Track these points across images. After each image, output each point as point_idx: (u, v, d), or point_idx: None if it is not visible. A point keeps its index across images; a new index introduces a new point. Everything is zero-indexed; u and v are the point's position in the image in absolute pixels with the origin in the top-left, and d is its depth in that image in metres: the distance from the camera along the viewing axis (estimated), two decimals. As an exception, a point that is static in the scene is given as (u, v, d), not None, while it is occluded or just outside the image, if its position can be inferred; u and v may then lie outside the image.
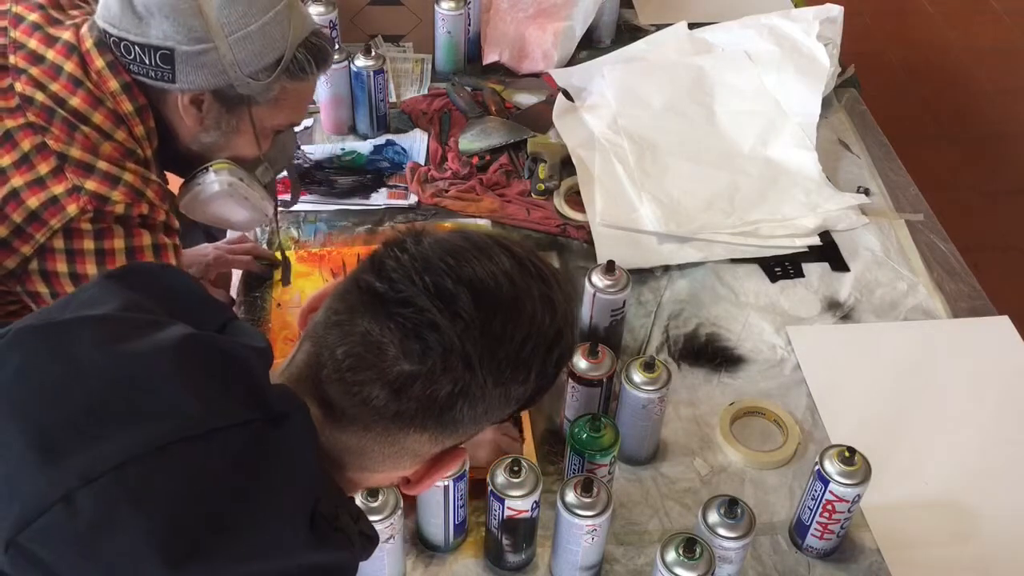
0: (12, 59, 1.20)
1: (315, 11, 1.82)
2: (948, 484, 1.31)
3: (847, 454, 1.14)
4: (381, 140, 1.81)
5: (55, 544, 0.64)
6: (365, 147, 1.80)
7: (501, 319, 0.75)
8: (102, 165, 1.18)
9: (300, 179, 1.72)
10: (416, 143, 1.81)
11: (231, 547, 0.67)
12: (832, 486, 1.14)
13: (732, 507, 1.09)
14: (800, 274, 1.61)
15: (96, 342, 0.71)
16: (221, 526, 0.66)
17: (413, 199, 1.70)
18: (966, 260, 1.65)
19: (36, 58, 1.21)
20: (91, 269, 1.18)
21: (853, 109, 1.96)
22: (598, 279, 1.37)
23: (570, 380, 1.26)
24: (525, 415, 1.35)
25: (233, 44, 1.20)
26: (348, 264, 1.58)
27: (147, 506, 0.65)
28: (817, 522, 1.18)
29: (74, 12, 1.29)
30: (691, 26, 2.05)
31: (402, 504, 1.10)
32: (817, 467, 1.15)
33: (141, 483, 0.65)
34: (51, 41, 1.22)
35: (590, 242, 1.62)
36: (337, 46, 1.78)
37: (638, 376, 1.24)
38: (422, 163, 1.77)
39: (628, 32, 2.11)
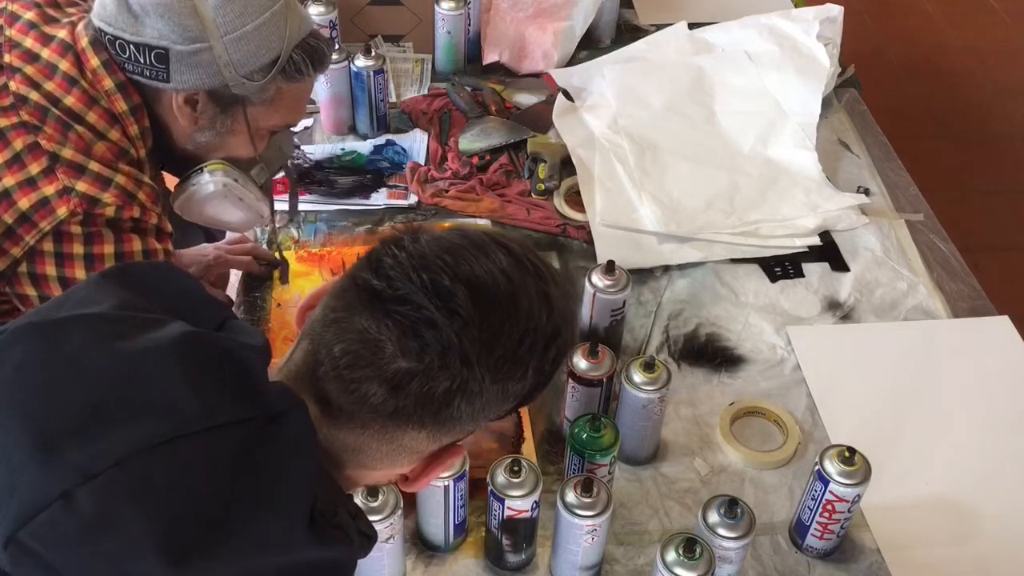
0: (7, 58, 1.20)
1: (315, 11, 1.83)
2: (948, 484, 1.31)
3: (847, 454, 1.14)
4: (381, 140, 1.81)
5: (55, 541, 0.64)
6: (365, 147, 1.80)
7: (498, 316, 0.75)
8: (94, 166, 1.18)
9: (300, 179, 1.72)
10: (416, 143, 1.81)
11: (230, 543, 0.67)
12: (832, 486, 1.14)
13: (732, 507, 1.09)
14: (800, 274, 1.61)
15: (95, 340, 0.71)
16: (220, 523, 0.67)
17: (413, 199, 1.70)
18: (966, 260, 1.65)
19: (31, 57, 1.21)
20: (80, 273, 1.18)
21: (853, 109, 1.96)
22: (598, 279, 1.37)
23: (570, 380, 1.26)
24: (525, 415, 1.35)
25: (228, 44, 1.20)
26: (348, 264, 1.57)
27: (146, 503, 0.65)
28: (817, 522, 1.18)
29: (71, 10, 1.29)
30: (691, 26, 2.05)
31: (402, 504, 1.09)
32: (817, 467, 1.15)
33: (140, 480, 0.65)
34: (46, 40, 1.22)
35: (590, 242, 1.62)
36: (337, 46, 1.78)
37: (638, 376, 1.24)
38: (422, 163, 1.77)
39: (628, 32, 2.11)
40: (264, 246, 1.61)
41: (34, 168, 1.15)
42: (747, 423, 1.38)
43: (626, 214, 1.66)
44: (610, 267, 1.37)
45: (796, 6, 2.12)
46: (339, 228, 1.65)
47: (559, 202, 1.70)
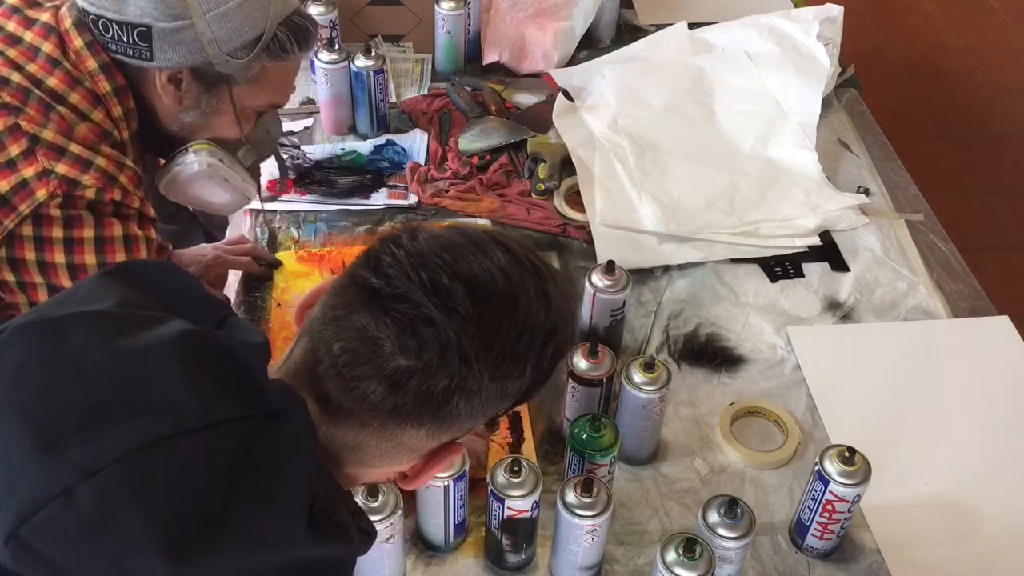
0: None
1: (315, 11, 1.82)
2: (948, 484, 1.31)
3: (847, 454, 1.14)
4: (381, 140, 1.81)
5: (55, 538, 0.65)
6: (365, 147, 1.80)
7: (496, 314, 0.75)
8: (75, 148, 1.17)
9: (300, 179, 1.72)
10: (416, 143, 1.81)
11: (229, 541, 0.67)
12: (832, 486, 1.14)
13: (732, 507, 1.09)
14: (800, 274, 1.60)
15: (95, 338, 0.71)
16: (220, 520, 0.67)
17: (413, 199, 1.70)
18: (966, 260, 1.65)
19: (13, 40, 1.21)
20: (59, 258, 1.17)
21: (853, 109, 1.96)
22: (598, 279, 1.37)
23: (570, 380, 1.26)
24: (525, 415, 1.35)
25: (211, 21, 1.20)
26: (348, 264, 1.57)
27: (146, 500, 0.65)
28: (817, 522, 1.18)
29: None
30: (691, 26, 2.05)
31: (402, 504, 1.09)
32: (817, 467, 1.15)
33: (141, 477, 0.65)
34: (29, 23, 1.22)
35: (590, 242, 1.62)
36: (337, 46, 1.78)
37: (638, 376, 1.24)
38: (422, 163, 1.77)
39: (628, 32, 2.11)
40: (264, 246, 1.61)
41: (14, 150, 1.15)
42: (747, 423, 1.38)
43: (626, 214, 1.66)
44: (610, 267, 1.37)
45: (796, 6, 2.12)
46: (339, 228, 1.65)
47: (559, 202, 1.70)
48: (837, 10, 1.97)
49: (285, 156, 1.74)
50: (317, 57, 1.73)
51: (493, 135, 1.80)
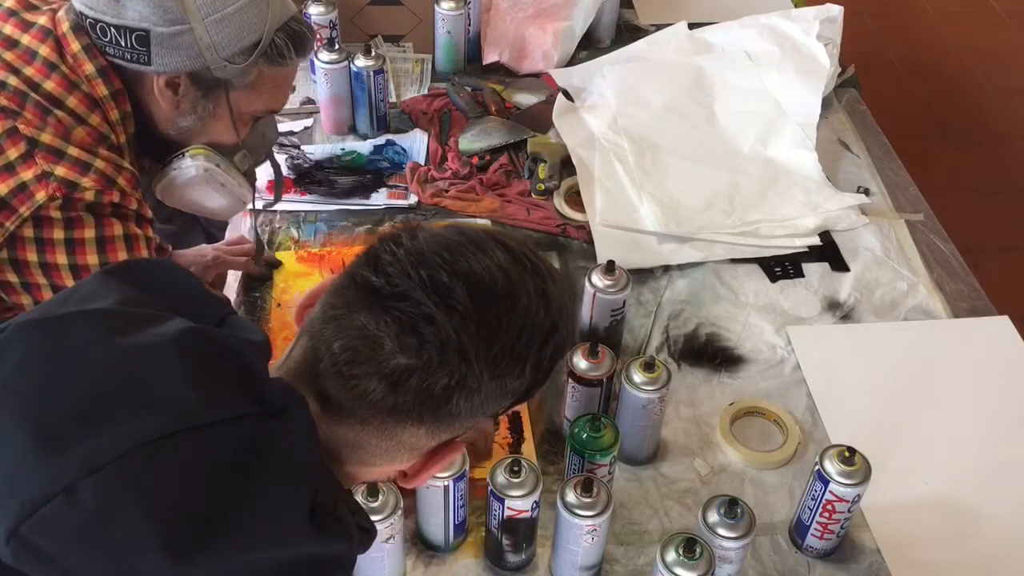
0: None
1: (315, 11, 1.83)
2: (948, 484, 1.31)
3: (847, 454, 1.14)
4: (381, 140, 1.81)
5: (57, 535, 0.65)
6: (365, 147, 1.80)
7: (496, 312, 0.75)
8: (73, 151, 1.17)
9: (300, 179, 1.72)
10: (416, 143, 1.81)
11: (230, 538, 0.67)
12: (832, 486, 1.14)
13: (732, 507, 1.09)
14: (800, 274, 1.61)
15: (96, 336, 0.71)
16: (221, 517, 0.67)
17: (413, 199, 1.70)
18: (966, 260, 1.65)
19: (10, 43, 1.21)
20: (61, 259, 1.18)
21: (853, 109, 1.96)
22: (598, 279, 1.37)
23: (570, 380, 1.26)
24: (525, 415, 1.35)
25: (209, 26, 1.20)
26: (348, 264, 1.57)
27: (148, 497, 0.65)
28: (817, 522, 1.18)
29: None
30: (691, 26, 2.05)
31: (402, 504, 1.09)
32: (817, 467, 1.15)
33: (142, 474, 0.66)
34: (26, 26, 1.22)
35: (590, 242, 1.62)
36: (337, 46, 1.78)
37: (638, 376, 1.24)
38: (422, 163, 1.77)
39: (628, 32, 2.11)
40: (264, 247, 1.61)
41: (12, 153, 1.15)
42: (747, 423, 1.38)
43: (626, 214, 1.66)
44: (610, 267, 1.37)
45: (796, 6, 2.12)
46: (339, 228, 1.65)
47: (559, 202, 1.70)
48: (837, 10, 1.97)
49: (285, 156, 1.74)
50: (317, 57, 1.73)
51: (493, 135, 1.80)
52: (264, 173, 1.56)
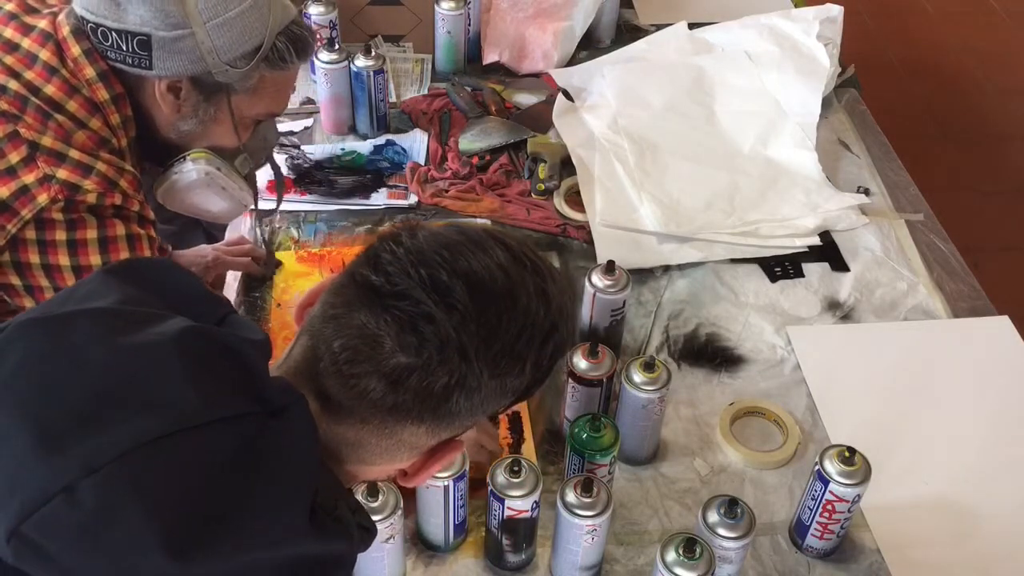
0: None
1: (315, 11, 1.83)
2: (948, 484, 1.31)
3: (847, 454, 1.14)
4: (381, 140, 1.81)
5: (57, 534, 0.65)
6: (365, 147, 1.80)
7: (496, 311, 0.75)
8: (74, 154, 1.17)
9: (300, 179, 1.72)
10: (416, 143, 1.81)
11: (231, 537, 0.67)
12: (832, 486, 1.14)
13: (732, 507, 1.09)
14: (800, 274, 1.60)
15: (96, 335, 0.71)
16: (221, 516, 0.67)
17: (413, 199, 1.70)
18: (966, 260, 1.65)
19: (11, 47, 1.21)
20: (64, 260, 1.18)
21: (853, 109, 1.96)
22: (598, 279, 1.37)
23: (570, 380, 1.26)
24: (525, 415, 1.35)
25: (211, 30, 1.20)
26: (348, 263, 1.57)
27: (148, 496, 0.65)
28: (817, 522, 1.18)
29: (52, 0, 1.29)
30: (691, 26, 2.05)
31: (402, 504, 1.09)
32: (817, 467, 1.15)
33: (142, 474, 0.66)
34: (27, 30, 1.22)
35: (590, 242, 1.62)
36: (337, 46, 1.78)
37: (638, 376, 1.24)
38: (422, 163, 1.77)
39: (628, 32, 2.11)
40: (263, 247, 1.61)
41: (14, 157, 1.15)
42: (747, 423, 1.38)
43: (626, 214, 1.66)
44: (610, 267, 1.37)
45: (796, 6, 2.12)
46: (339, 228, 1.65)
47: (559, 202, 1.70)
48: (837, 10, 1.97)
49: (285, 156, 1.74)
50: (317, 57, 1.73)
51: (493, 135, 1.80)
52: (264, 173, 1.56)
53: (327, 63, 1.74)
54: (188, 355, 0.71)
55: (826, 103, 1.89)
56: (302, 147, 1.79)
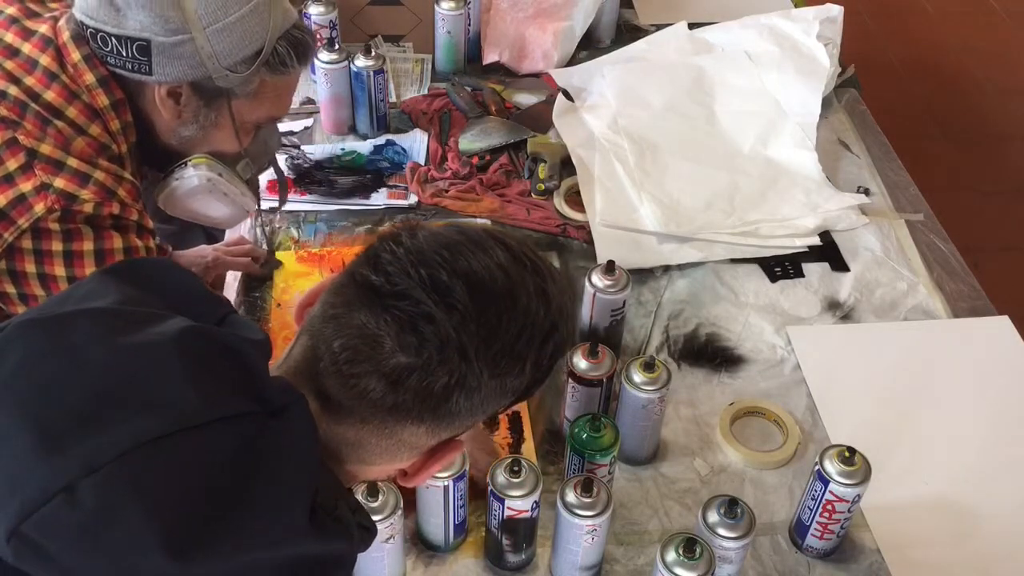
0: None
1: (315, 11, 1.83)
2: (948, 484, 1.31)
3: (847, 454, 1.14)
4: (381, 140, 1.81)
5: (57, 534, 0.65)
6: (365, 147, 1.80)
7: (496, 311, 0.75)
8: (72, 162, 1.17)
9: (300, 179, 1.72)
10: (416, 143, 1.81)
11: (231, 537, 0.67)
12: (832, 486, 1.14)
13: (732, 507, 1.09)
14: (800, 274, 1.61)
15: (96, 335, 0.71)
16: (221, 516, 0.67)
17: (413, 199, 1.70)
18: (966, 260, 1.65)
19: (11, 52, 1.20)
20: (60, 271, 1.17)
21: (853, 109, 1.96)
22: (598, 279, 1.37)
23: (570, 380, 1.26)
24: (525, 415, 1.35)
25: (211, 35, 1.20)
26: (348, 263, 1.57)
27: (148, 496, 0.65)
28: (817, 522, 1.18)
29: (53, 4, 1.29)
30: (691, 26, 2.05)
31: (402, 504, 1.09)
32: (817, 467, 1.15)
33: (142, 473, 0.66)
34: (27, 34, 1.22)
35: (590, 242, 1.62)
36: (337, 46, 1.78)
37: (638, 376, 1.24)
38: (422, 163, 1.77)
39: (628, 32, 2.11)
40: (263, 247, 1.61)
41: (12, 164, 1.15)
42: (747, 423, 1.38)
43: (626, 214, 1.66)
44: (610, 267, 1.37)
45: (796, 6, 2.12)
46: (339, 228, 1.65)
47: (559, 202, 1.70)
48: (837, 10, 1.97)
49: (285, 156, 1.74)
50: (317, 57, 1.73)
51: (493, 135, 1.80)
52: (265, 174, 1.56)
53: (327, 63, 1.74)
54: (188, 355, 0.71)
55: (826, 103, 1.89)
56: (302, 147, 1.79)
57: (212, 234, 1.72)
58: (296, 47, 1.27)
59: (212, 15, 1.19)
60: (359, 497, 1.07)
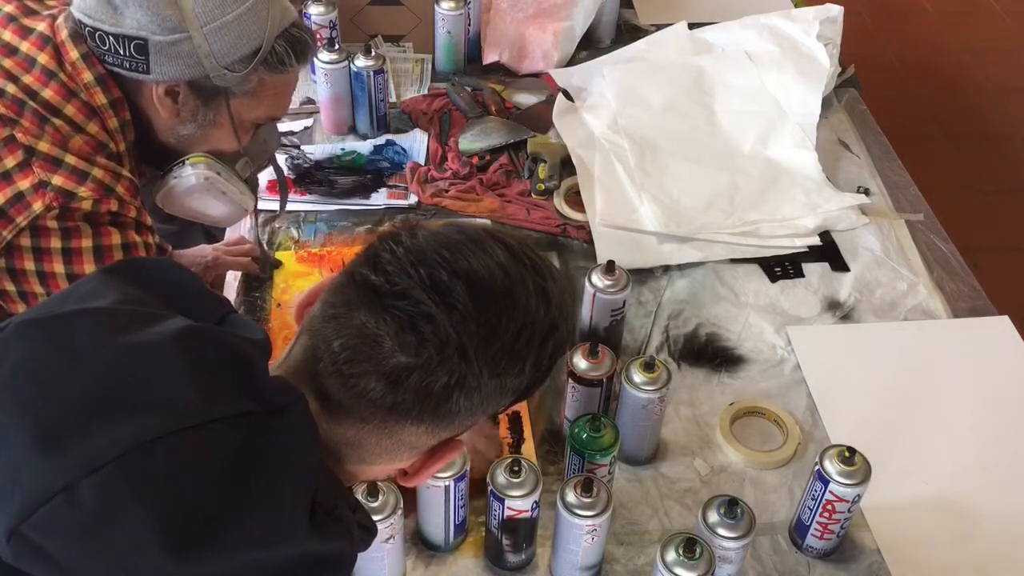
0: None
1: (315, 11, 1.83)
2: (948, 484, 1.31)
3: (847, 454, 1.14)
4: (381, 140, 1.81)
5: (57, 534, 0.65)
6: (365, 147, 1.80)
7: (496, 310, 0.75)
8: (70, 159, 1.17)
9: (300, 179, 1.72)
10: (416, 143, 1.81)
11: (231, 536, 0.67)
12: (832, 486, 1.14)
13: (732, 507, 1.09)
14: (800, 274, 1.60)
15: (96, 334, 0.71)
16: (221, 515, 0.67)
17: (413, 199, 1.70)
18: (966, 260, 1.65)
19: (9, 50, 1.20)
20: (59, 268, 1.17)
21: (853, 109, 1.96)
22: (598, 279, 1.37)
23: (570, 380, 1.26)
24: (525, 415, 1.35)
25: (208, 34, 1.19)
26: (348, 263, 1.57)
27: (148, 496, 0.65)
28: (817, 522, 1.18)
29: (51, 2, 1.29)
30: (691, 26, 2.05)
31: (402, 504, 1.09)
32: (817, 467, 1.15)
33: (142, 473, 0.66)
34: (25, 32, 1.22)
35: (590, 242, 1.62)
36: (337, 46, 1.78)
37: (638, 376, 1.24)
38: (422, 163, 1.77)
39: (628, 32, 2.11)
40: (265, 247, 1.61)
41: (10, 162, 1.15)
42: (747, 423, 1.38)
43: (626, 214, 1.66)
44: (610, 267, 1.37)
45: (796, 6, 2.12)
46: (339, 228, 1.65)
47: (559, 202, 1.70)
48: (837, 10, 1.98)
49: (285, 156, 1.74)
50: (317, 57, 1.73)
51: (493, 135, 1.80)
52: (265, 174, 1.56)
53: (327, 63, 1.74)
54: (188, 354, 0.71)
55: (826, 103, 1.89)
56: (302, 147, 1.79)
57: (212, 233, 1.72)
58: (295, 46, 1.27)
59: (209, 14, 1.19)
60: (359, 497, 1.07)
